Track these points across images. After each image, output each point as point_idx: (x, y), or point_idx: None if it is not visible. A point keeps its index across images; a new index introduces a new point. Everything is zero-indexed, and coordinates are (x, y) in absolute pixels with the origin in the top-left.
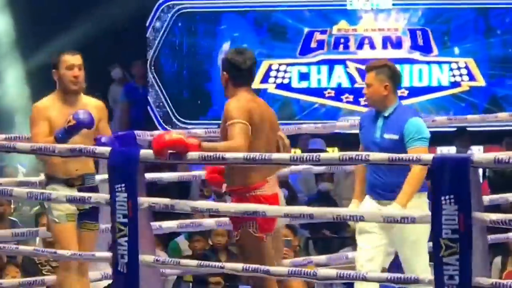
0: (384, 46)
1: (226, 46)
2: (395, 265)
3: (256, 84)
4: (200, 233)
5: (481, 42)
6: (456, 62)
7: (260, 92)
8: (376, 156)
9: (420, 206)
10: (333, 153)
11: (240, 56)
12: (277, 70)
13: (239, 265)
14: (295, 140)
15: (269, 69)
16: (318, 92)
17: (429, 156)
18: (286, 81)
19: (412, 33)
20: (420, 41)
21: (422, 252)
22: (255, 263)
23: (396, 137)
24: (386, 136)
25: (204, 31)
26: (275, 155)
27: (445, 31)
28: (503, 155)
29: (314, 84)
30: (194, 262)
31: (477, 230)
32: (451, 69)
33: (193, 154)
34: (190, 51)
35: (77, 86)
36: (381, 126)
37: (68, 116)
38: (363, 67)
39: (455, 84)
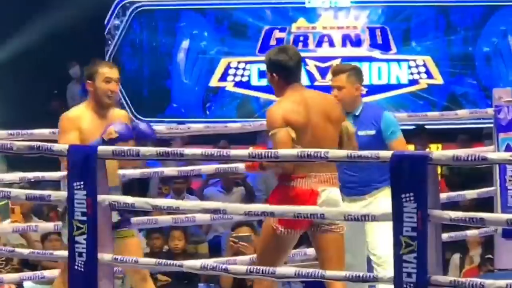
0: (343, 44)
1: (185, 43)
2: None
3: (214, 82)
4: (158, 231)
5: (441, 40)
6: (414, 60)
7: (218, 90)
8: (335, 153)
9: None
10: (292, 149)
11: (285, 54)
12: (236, 68)
13: (197, 263)
14: (254, 138)
15: (228, 67)
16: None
17: (387, 153)
18: (245, 79)
19: (371, 31)
20: (379, 39)
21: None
22: (263, 251)
23: (372, 132)
24: (361, 133)
25: (163, 29)
26: (233, 152)
27: (404, 29)
28: (461, 152)
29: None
30: (153, 261)
31: (433, 228)
32: (410, 67)
33: (152, 150)
34: (149, 49)
35: (111, 101)
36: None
37: (101, 127)
38: (322, 65)
39: (413, 82)
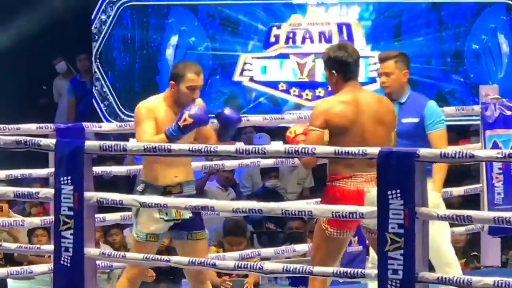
0: (320, 40)
1: (174, 39)
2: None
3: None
4: (116, 226)
5: (432, 35)
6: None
7: (206, 85)
8: (322, 149)
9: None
10: (279, 145)
11: (344, 51)
12: (244, 63)
13: (185, 259)
14: (239, 134)
15: (244, 63)
16: (274, 85)
17: (375, 150)
18: (252, 74)
19: (340, 27)
20: (345, 36)
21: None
22: (316, 252)
23: (416, 120)
24: (404, 120)
25: (152, 24)
26: (221, 147)
27: (397, 24)
28: (449, 149)
29: (270, 78)
30: (140, 256)
31: (420, 225)
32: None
33: (139, 145)
34: (137, 45)
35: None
36: (397, 112)
37: (175, 116)
38: (301, 61)
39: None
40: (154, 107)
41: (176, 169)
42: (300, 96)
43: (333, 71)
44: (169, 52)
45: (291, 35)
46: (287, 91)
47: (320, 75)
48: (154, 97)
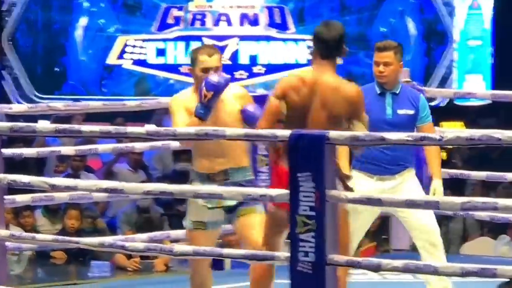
0: (241, 23)
1: (83, 21)
2: None
3: (113, 60)
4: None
5: (336, 20)
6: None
7: (115, 68)
8: (232, 131)
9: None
10: (189, 127)
11: (325, 28)
12: (134, 46)
13: (95, 241)
14: (149, 117)
15: (126, 45)
16: (174, 68)
17: (286, 133)
18: (142, 57)
19: (269, 10)
20: (278, 19)
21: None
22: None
23: (411, 112)
24: (400, 112)
25: (59, 5)
26: (130, 129)
27: (301, 9)
28: (360, 132)
29: (170, 61)
30: (50, 237)
31: (330, 207)
32: (309, 47)
33: (49, 126)
34: (45, 26)
35: None
36: (390, 103)
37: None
38: (219, 43)
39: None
40: (184, 99)
41: (219, 157)
42: None
43: (313, 47)
44: (78, 34)
45: (198, 17)
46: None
47: (245, 58)
48: (187, 89)
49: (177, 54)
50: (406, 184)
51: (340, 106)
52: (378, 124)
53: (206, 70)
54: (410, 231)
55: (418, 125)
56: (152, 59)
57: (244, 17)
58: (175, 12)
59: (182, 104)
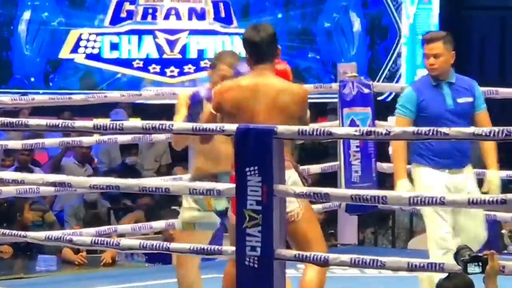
0: (189, 17)
1: (26, 15)
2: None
3: (65, 54)
4: None
5: (280, 14)
6: None
7: (61, 62)
8: (180, 125)
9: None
10: (136, 121)
11: (255, 32)
12: (88, 40)
13: (42, 234)
14: (97, 110)
15: (79, 39)
16: (128, 62)
17: (232, 127)
18: (96, 51)
19: (215, 4)
20: (222, 13)
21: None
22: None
23: (470, 99)
24: (460, 100)
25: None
26: (78, 123)
27: (246, 4)
28: (306, 127)
29: (124, 55)
30: None
31: (277, 202)
32: None
33: None
34: None
35: None
36: (449, 93)
37: None
38: (171, 37)
39: None
40: (187, 95)
41: (210, 161)
42: (162, 73)
43: (246, 54)
44: (22, 28)
45: (150, 10)
46: (143, 69)
47: (194, 52)
48: (202, 85)
49: (131, 48)
50: (471, 178)
51: (293, 108)
52: (441, 115)
53: (224, 78)
54: None
55: (476, 112)
56: (106, 53)
57: (192, 11)
58: (127, 6)
59: (183, 100)
